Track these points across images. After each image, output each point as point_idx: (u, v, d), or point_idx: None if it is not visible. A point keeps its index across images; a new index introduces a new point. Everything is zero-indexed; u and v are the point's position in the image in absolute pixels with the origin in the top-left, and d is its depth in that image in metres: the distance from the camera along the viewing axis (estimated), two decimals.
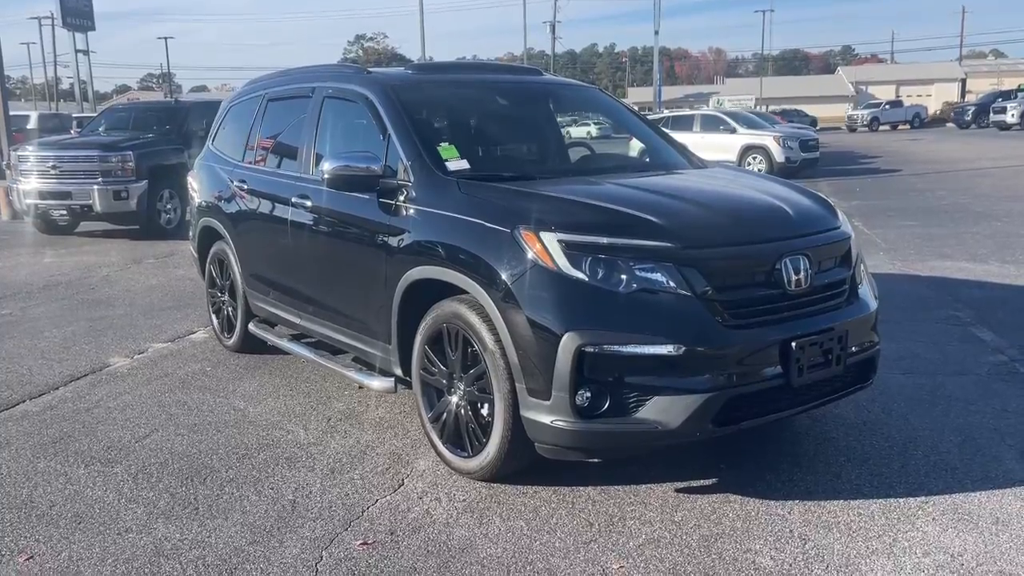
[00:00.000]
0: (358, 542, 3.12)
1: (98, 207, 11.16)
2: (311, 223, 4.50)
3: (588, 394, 3.14)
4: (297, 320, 4.88)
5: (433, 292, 3.69)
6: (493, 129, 4.74)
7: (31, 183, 11.50)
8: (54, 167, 11.32)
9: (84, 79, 57.27)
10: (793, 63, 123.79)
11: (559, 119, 5.22)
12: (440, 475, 3.70)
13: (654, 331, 3.10)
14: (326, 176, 3.94)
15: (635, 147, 4.82)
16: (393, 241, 3.86)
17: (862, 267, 3.87)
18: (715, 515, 3.29)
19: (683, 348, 3.08)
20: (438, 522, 3.28)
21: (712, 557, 2.98)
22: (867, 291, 3.77)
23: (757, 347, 3.23)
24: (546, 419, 3.19)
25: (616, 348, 3.10)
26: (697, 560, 2.96)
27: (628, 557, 2.99)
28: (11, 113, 25.89)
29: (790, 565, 2.92)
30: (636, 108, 5.11)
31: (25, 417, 4.59)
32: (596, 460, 3.51)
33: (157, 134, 12.36)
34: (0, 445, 4.18)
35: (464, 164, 3.91)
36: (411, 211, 3.81)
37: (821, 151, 20.70)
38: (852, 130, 51.20)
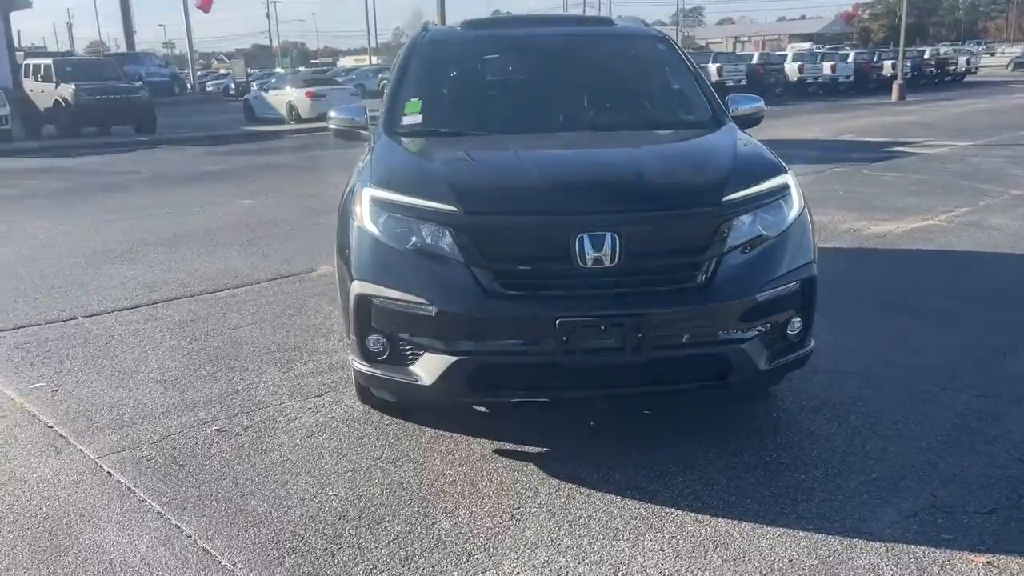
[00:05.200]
0: (215, 427, 3.88)
1: None
2: None
3: (383, 341, 3.40)
4: None
5: None
6: (488, 84, 4.83)
7: None
8: None
9: None
10: None
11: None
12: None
13: (417, 290, 3.23)
14: (330, 126, 4.58)
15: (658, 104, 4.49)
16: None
17: (765, 247, 3.31)
18: (511, 487, 3.35)
19: (435, 309, 3.18)
20: (291, 430, 3.84)
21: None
22: (739, 278, 3.23)
23: (518, 320, 3.16)
24: (350, 358, 3.56)
25: (387, 301, 3.30)
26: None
27: (355, 489, 3.29)
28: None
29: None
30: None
31: (201, 301, 6.01)
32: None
33: None
34: (159, 318, 5.66)
35: (416, 119, 4.22)
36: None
37: None
38: None
